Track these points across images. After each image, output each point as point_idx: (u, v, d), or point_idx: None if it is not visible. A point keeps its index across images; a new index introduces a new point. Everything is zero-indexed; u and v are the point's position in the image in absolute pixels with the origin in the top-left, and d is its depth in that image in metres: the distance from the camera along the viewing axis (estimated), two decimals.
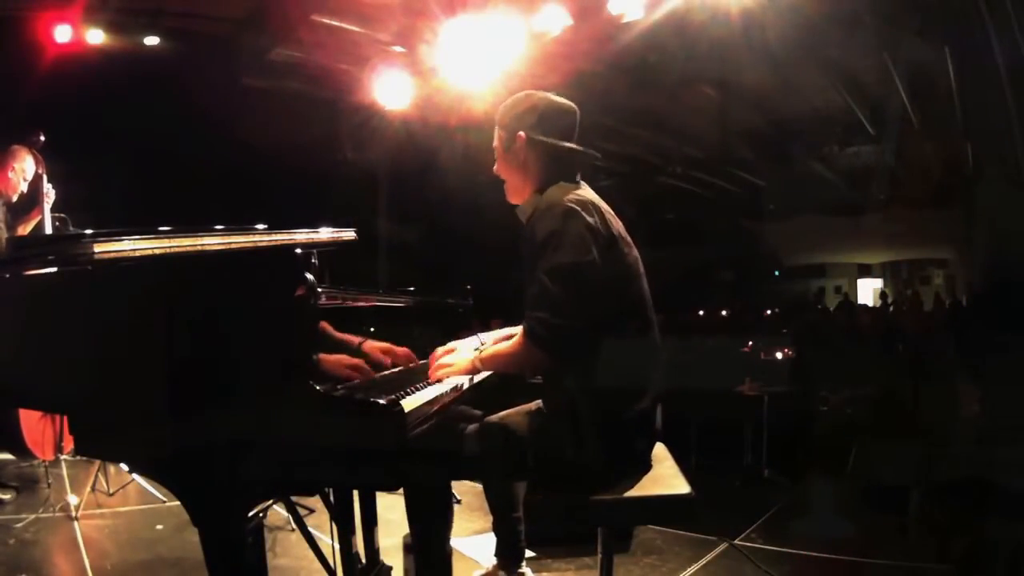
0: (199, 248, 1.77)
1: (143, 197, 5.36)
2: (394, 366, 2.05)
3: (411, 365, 2.11)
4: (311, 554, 2.23)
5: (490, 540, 2.29)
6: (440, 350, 2.01)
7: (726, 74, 7.45)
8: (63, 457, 3.98)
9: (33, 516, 3.46)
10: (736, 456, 4.86)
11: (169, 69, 5.94)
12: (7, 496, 3.74)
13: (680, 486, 1.79)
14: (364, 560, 2.47)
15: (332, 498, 2.31)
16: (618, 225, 1.89)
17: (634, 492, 1.75)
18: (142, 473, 2.86)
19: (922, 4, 5.76)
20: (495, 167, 2.04)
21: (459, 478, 2.29)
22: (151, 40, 6.04)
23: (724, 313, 11.76)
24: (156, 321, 1.54)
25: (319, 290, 1.61)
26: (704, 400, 4.75)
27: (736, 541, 3.43)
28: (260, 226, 2.03)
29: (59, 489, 3.89)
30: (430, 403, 1.73)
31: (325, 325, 1.83)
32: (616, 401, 1.78)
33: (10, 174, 3.67)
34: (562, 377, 1.83)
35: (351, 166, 7.82)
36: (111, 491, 3.83)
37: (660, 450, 2.00)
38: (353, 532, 2.40)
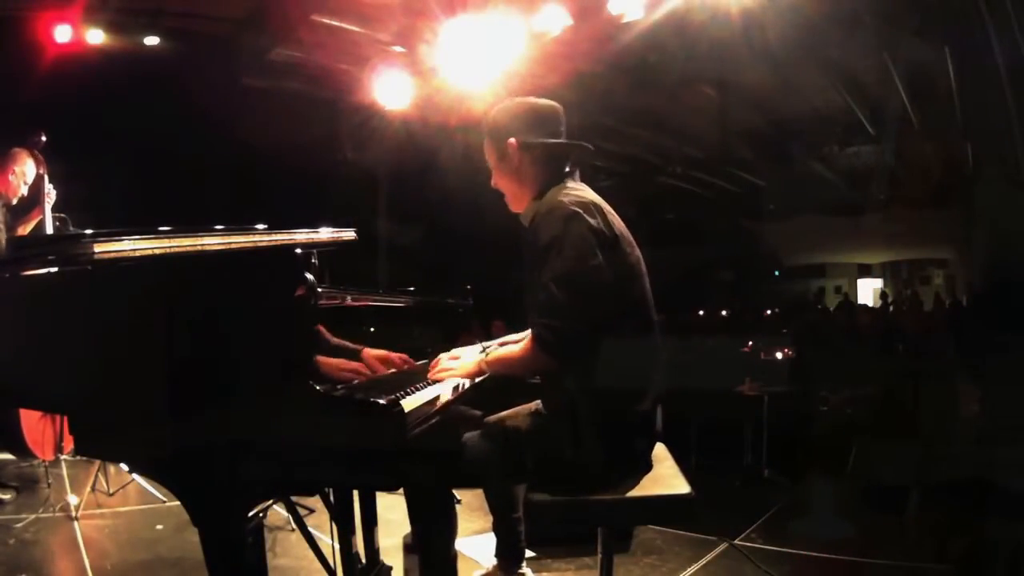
0: (199, 248, 1.77)
1: (143, 197, 5.36)
2: (389, 370, 2.06)
3: (405, 367, 2.11)
4: (311, 554, 2.23)
5: (490, 540, 2.29)
6: (444, 356, 2.02)
7: (726, 74, 7.45)
8: (63, 457, 3.98)
9: (33, 516, 3.46)
10: (736, 456, 4.86)
11: (169, 69, 5.93)
12: (7, 496, 3.74)
13: (680, 486, 1.79)
14: (364, 560, 2.47)
15: (332, 498, 2.31)
16: (620, 224, 1.89)
17: (634, 492, 1.75)
18: (142, 473, 2.86)
19: (922, 4, 5.75)
20: (492, 181, 2.04)
21: (460, 486, 2.29)
22: (151, 40, 6.03)
23: (724, 313, 11.77)
24: (156, 321, 1.54)
25: (319, 290, 1.61)
26: (704, 400, 4.75)
27: (736, 541, 3.43)
28: (260, 226, 2.03)
29: (59, 489, 3.89)
30: (430, 403, 1.73)
31: (323, 330, 1.83)
32: (617, 401, 1.78)
33: (11, 177, 3.67)
34: (562, 377, 1.83)
35: (351, 166, 7.81)
36: (111, 491, 3.83)
37: (660, 450, 2.00)
38: (353, 532, 2.40)
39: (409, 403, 1.56)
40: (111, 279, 1.63)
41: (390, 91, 6.52)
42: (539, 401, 2.00)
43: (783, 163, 10.95)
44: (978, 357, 4.57)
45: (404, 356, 2.13)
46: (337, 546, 2.29)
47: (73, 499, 3.63)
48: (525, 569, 2.22)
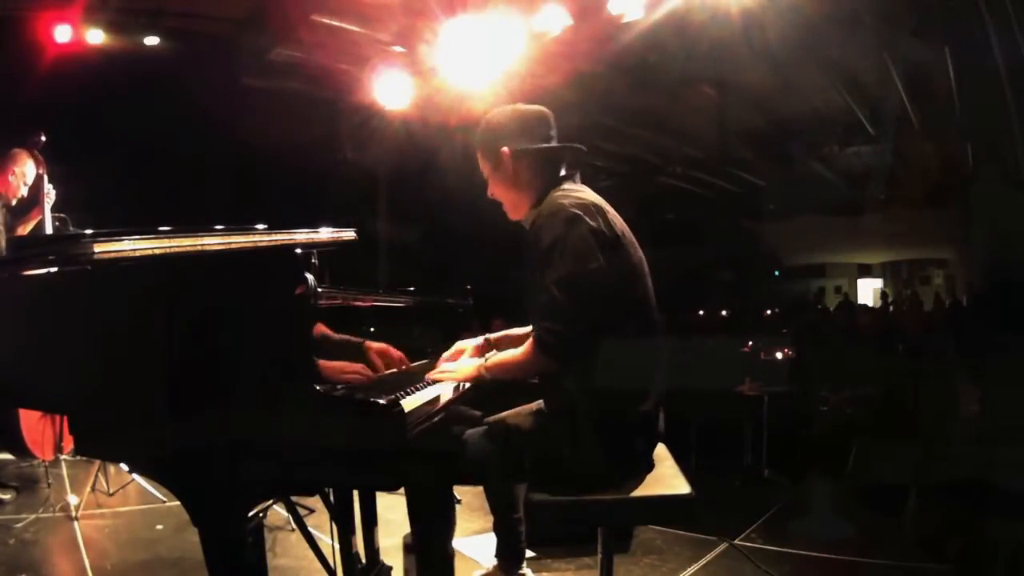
0: (199, 248, 1.77)
1: (143, 197, 5.35)
2: (387, 368, 2.06)
3: (403, 367, 2.11)
4: (311, 554, 2.24)
5: (490, 540, 2.30)
6: (447, 354, 2.01)
7: (726, 74, 7.44)
8: (63, 457, 3.98)
9: (33, 516, 3.46)
10: (736, 456, 4.86)
11: (169, 69, 5.92)
12: (7, 496, 3.74)
13: (680, 486, 1.79)
14: (364, 560, 2.47)
15: (332, 498, 2.31)
16: (622, 225, 1.89)
17: (634, 492, 1.75)
18: (142, 473, 2.86)
19: (921, 4, 5.75)
20: (488, 191, 2.04)
21: (460, 483, 2.29)
22: (151, 40, 6.03)
23: (724, 313, 11.77)
24: (156, 321, 1.54)
25: (319, 290, 1.61)
26: (704, 400, 4.75)
27: (736, 541, 3.43)
28: (260, 226, 2.03)
29: (59, 489, 3.89)
30: (430, 403, 1.73)
31: (324, 329, 1.83)
32: (619, 402, 1.78)
33: (10, 178, 3.67)
34: (563, 378, 1.83)
35: (351, 166, 7.81)
36: (111, 491, 3.83)
37: (660, 450, 2.00)
38: (353, 532, 2.41)
39: (409, 403, 1.57)
40: (111, 279, 1.63)
41: (390, 91, 6.52)
42: (540, 401, 2.00)
43: (783, 163, 10.94)
44: (978, 357, 4.57)
45: (401, 356, 2.13)
46: (337, 546, 2.29)
47: (73, 499, 3.63)
48: (525, 569, 2.22)
